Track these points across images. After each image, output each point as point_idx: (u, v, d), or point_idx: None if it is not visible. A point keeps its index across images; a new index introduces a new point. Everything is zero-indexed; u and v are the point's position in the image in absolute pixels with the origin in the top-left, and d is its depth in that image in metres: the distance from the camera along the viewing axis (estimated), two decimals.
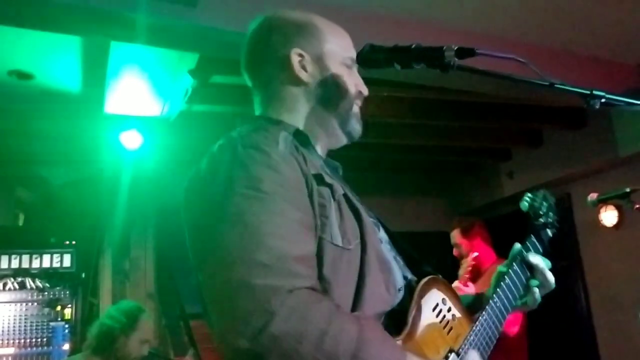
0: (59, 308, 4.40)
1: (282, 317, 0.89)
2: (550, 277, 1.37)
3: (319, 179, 1.10)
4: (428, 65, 1.17)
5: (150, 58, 3.40)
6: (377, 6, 3.14)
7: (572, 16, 3.40)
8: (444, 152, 5.81)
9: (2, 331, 4.25)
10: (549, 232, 1.52)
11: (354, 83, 1.29)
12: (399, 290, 1.15)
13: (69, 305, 4.45)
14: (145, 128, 4.19)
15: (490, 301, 1.28)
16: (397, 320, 1.08)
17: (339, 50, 1.28)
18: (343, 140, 1.31)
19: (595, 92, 1.16)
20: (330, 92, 1.25)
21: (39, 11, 2.60)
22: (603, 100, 1.16)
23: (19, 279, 4.35)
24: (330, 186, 1.11)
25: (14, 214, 4.78)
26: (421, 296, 1.12)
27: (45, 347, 4.31)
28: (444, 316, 1.15)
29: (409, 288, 1.17)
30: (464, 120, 4.77)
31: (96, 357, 2.95)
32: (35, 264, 4.45)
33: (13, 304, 4.33)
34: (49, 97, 3.80)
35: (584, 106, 1.17)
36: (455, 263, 3.38)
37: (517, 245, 1.40)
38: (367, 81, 1.32)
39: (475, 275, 3.27)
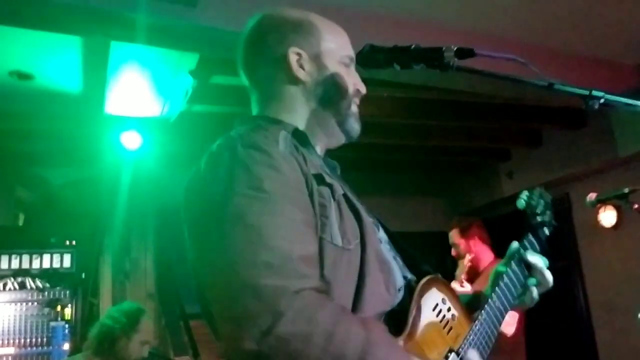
0: (59, 308, 4.41)
1: (289, 318, 0.88)
2: (549, 276, 1.36)
3: (319, 179, 1.09)
4: (428, 66, 1.17)
5: (150, 58, 3.40)
6: (377, 6, 3.14)
7: (571, 16, 3.41)
8: (444, 152, 5.82)
9: (2, 331, 4.25)
10: (546, 231, 1.52)
11: (352, 81, 1.28)
12: (399, 290, 1.15)
13: (69, 305, 4.45)
14: (146, 128, 4.19)
15: (489, 300, 1.27)
16: (397, 320, 1.08)
17: (336, 48, 1.27)
18: (342, 140, 1.30)
19: (594, 93, 1.16)
20: (328, 91, 1.24)
21: (39, 11, 2.60)
22: (602, 100, 1.16)
23: (19, 279, 4.36)
24: (330, 186, 1.10)
25: (14, 214, 4.78)
26: (421, 296, 1.12)
27: (45, 347, 4.31)
28: (444, 316, 1.15)
29: (409, 288, 1.17)
30: (464, 121, 4.78)
31: (97, 358, 2.96)
32: (36, 264, 4.45)
33: (13, 304, 4.33)
34: (49, 98, 3.80)
35: (583, 107, 1.17)
36: (455, 263, 3.38)
37: (515, 244, 1.40)
38: (367, 81, 1.31)
39: (473, 275, 3.27)
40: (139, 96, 3.88)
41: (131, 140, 4.17)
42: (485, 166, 6.16)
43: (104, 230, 4.77)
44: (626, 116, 4.26)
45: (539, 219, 1.50)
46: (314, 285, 0.95)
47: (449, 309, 1.17)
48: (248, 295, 0.90)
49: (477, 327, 1.21)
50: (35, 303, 4.38)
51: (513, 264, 1.35)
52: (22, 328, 4.30)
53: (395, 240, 1.27)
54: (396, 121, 4.71)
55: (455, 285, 3.14)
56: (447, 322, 1.15)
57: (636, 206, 2.64)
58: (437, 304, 1.15)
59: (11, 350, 4.24)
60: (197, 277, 1.08)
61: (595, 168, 4.86)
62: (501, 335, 1.29)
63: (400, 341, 1.04)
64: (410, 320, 1.08)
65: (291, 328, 0.88)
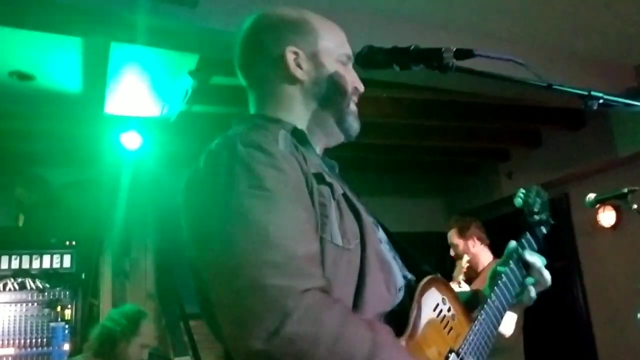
0: (59, 308, 4.40)
1: (297, 318, 0.87)
2: (547, 275, 1.35)
3: (319, 178, 1.09)
4: (427, 67, 1.17)
5: (150, 59, 3.40)
6: (377, 6, 3.15)
7: (570, 17, 3.42)
8: (443, 153, 5.83)
9: (2, 332, 4.25)
10: (544, 229, 1.51)
11: (350, 80, 1.27)
12: (399, 290, 1.14)
13: (69, 306, 4.45)
14: (145, 129, 4.20)
15: (488, 300, 1.27)
16: (397, 320, 1.07)
17: (333, 46, 1.26)
18: (341, 138, 1.29)
19: (593, 93, 1.16)
20: (326, 90, 1.24)
21: (40, 12, 2.61)
22: (601, 101, 1.16)
23: (19, 280, 4.36)
24: (330, 185, 1.10)
25: (14, 215, 4.77)
26: (422, 296, 1.12)
27: (45, 348, 4.31)
28: (444, 316, 1.15)
29: (409, 288, 1.17)
30: (463, 121, 4.79)
31: None
32: (36, 264, 4.45)
33: (13, 305, 4.33)
34: (50, 98, 3.80)
35: (583, 107, 1.18)
36: (454, 263, 3.38)
37: (513, 243, 1.40)
38: (366, 82, 1.32)
39: (472, 276, 3.27)
40: (138, 96, 3.88)
41: (131, 140, 4.18)
42: (485, 166, 6.17)
43: (104, 230, 4.77)
44: (625, 117, 4.27)
45: (536, 217, 1.50)
46: (319, 284, 0.94)
47: (449, 309, 1.16)
48: (254, 295, 0.89)
49: (477, 327, 1.21)
50: (35, 303, 4.38)
51: (511, 263, 1.35)
52: (22, 328, 4.30)
53: (395, 240, 1.27)
54: (396, 121, 4.72)
55: (453, 286, 3.13)
56: (447, 322, 1.15)
57: (635, 206, 2.64)
58: (437, 304, 1.14)
59: (11, 350, 4.23)
60: (198, 276, 1.07)
61: (595, 168, 4.86)
62: (500, 335, 1.29)
63: (402, 342, 1.03)
64: (412, 320, 1.07)
65: (298, 328, 0.87)
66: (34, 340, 4.31)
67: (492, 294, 1.29)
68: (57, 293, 4.44)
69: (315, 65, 1.24)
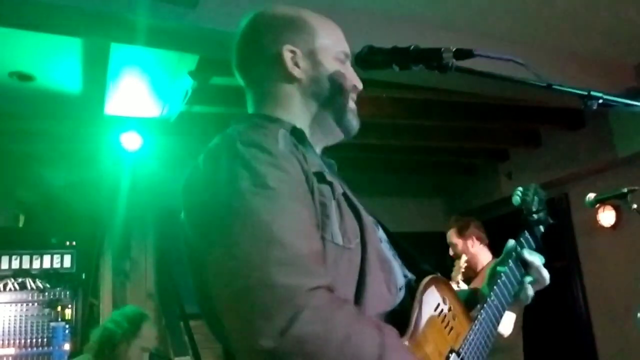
0: (59, 308, 4.41)
1: (307, 317, 0.86)
2: (545, 274, 1.35)
3: (320, 177, 1.08)
4: (426, 67, 1.17)
5: (150, 59, 3.41)
6: (376, 6, 3.15)
7: (570, 17, 3.42)
8: (443, 153, 5.83)
9: (3, 332, 4.25)
10: (542, 228, 1.51)
11: (348, 77, 1.26)
12: (400, 289, 1.14)
13: (70, 306, 4.45)
14: (145, 129, 4.20)
15: (488, 299, 1.27)
16: (398, 319, 1.07)
17: (331, 44, 1.26)
18: (340, 136, 1.29)
19: (592, 93, 1.17)
20: (324, 88, 1.23)
21: (40, 13, 2.61)
22: (601, 101, 1.17)
23: (20, 280, 4.36)
24: (330, 184, 1.09)
25: (15, 215, 4.78)
26: (423, 295, 1.11)
27: (46, 348, 4.32)
28: (445, 315, 1.14)
29: (409, 287, 1.17)
30: (463, 121, 4.79)
31: None
32: (36, 264, 4.45)
33: (13, 305, 4.33)
34: (50, 99, 3.80)
35: (582, 107, 1.18)
36: (454, 263, 3.38)
37: (512, 242, 1.40)
38: (366, 82, 1.32)
39: (470, 276, 3.27)
40: (138, 97, 3.88)
41: (131, 141, 4.18)
42: (485, 166, 6.17)
43: (104, 230, 4.78)
44: (625, 117, 4.28)
45: (534, 216, 1.50)
46: (326, 283, 0.94)
47: (449, 309, 1.16)
48: (262, 293, 0.87)
49: (477, 327, 1.20)
50: (36, 303, 4.39)
51: (510, 262, 1.35)
52: (23, 328, 4.31)
53: (394, 239, 1.26)
54: (395, 122, 4.72)
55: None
56: (448, 322, 1.15)
57: (635, 206, 2.65)
58: (438, 304, 1.14)
59: (11, 350, 4.24)
60: (198, 276, 1.06)
61: (594, 168, 4.86)
62: (499, 335, 1.28)
63: (405, 342, 1.03)
64: (413, 320, 1.07)
65: (309, 328, 0.86)
66: (34, 340, 4.31)
67: (491, 293, 1.29)
68: (57, 293, 4.45)
69: (312, 63, 1.23)
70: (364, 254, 1.07)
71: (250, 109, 1.28)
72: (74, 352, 4.24)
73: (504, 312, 1.30)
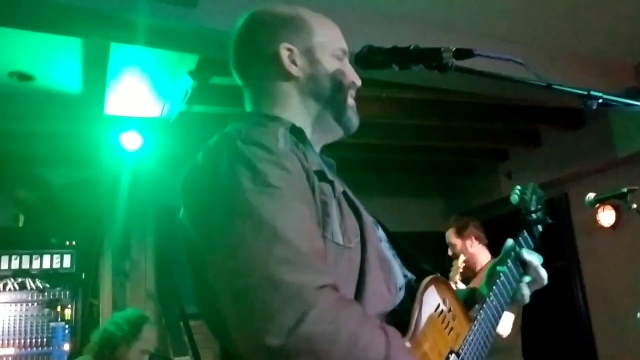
0: (59, 309, 4.40)
1: (315, 316, 0.86)
2: (544, 274, 1.35)
3: (321, 176, 1.08)
4: (426, 67, 1.17)
5: (150, 59, 3.41)
6: (377, 6, 3.15)
7: (570, 17, 3.42)
8: (443, 153, 5.83)
9: (3, 332, 4.25)
10: (540, 228, 1.51)
11: (347, 74, 1.25)
12: (400, 289, 1.14)
13: (69, 306, 4.45)
14: (145, 129, 4.20)
15: (487, 300, 1.27)
16: (398, 320, 1.06)
17: (328, 42, 1.25)
18: (340, 134, 1.28)
19: (592, 93, 1.17)
20: (323, 86, 1.22)
21: (40, 13, 2.61)
22: (601, 101, 1.17)
23: (20, 280, 4.35)
24: (332, 183, 1.09)
25: (15, 215, 4.78)
26: (423, 296, 1.11)
27: (46, 348, 4.31)
28: (445, 317, 1.14)
29: (409, 287, 1.16)
30: (463, 121, 4.79)
31: None
32: (36, 264, 4.44)
33: (13, 305, 4.32)
34: (50, 99, 3.81)
35: (582, 107, 1.18)
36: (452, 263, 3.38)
37: (510, 242, 1.40)
38: (366, 82, 1.31)
39: (469, 276, 3.27)
40: (139, 97, 3.88)
41: (131, 141, 4.18)
42: (485, 167, 6.17)
43: (104, 230, 4.77)
44: (625, 116, 4.28)
45: (533, 215, 1.50)
46: (332, 282, 0.93)
47: (450, 310, 1.16)
48: (270, 291, 0.87)
49: (477, 328, 1.20)
50: (36, 304, 4.38)
51: (509, 262, 1.35)
52: (23, 329, 4.30)
53: (394, 239, 1.26)
54: (395, 122, 4.72)
55: None
56: (448, 322, 1.15)
57: (635, 206, 2.65)
58: (438, 305, 1.14)
59: (11, 351, 4.23)
60: (199, 275, 1.05)
61: (594, 168, 4.86)
62: (497, 336, 1.28)
63: (407, 342, 1.02)
64: (414, 321, 1.06)
65: (317, 327, 0.85)
66: (34, 341, 4.31)
67: (490, 294, 1.29)
68: (57, 293, 4.44)
69: (310, 61, 1.22)
70: (364, 253, 1.07)
71: (248, 108, 1.27)
72: (73, 353, 4.23)
73: (503, 312, 1.30)
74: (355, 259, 1.06)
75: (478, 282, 3.09)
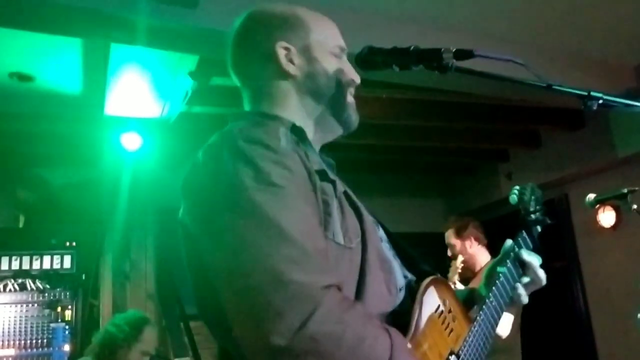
0: (59, 309, 4.40)
1: (321, 316, 0.85)
2: (542, 274, 1.35)
3: (322, 175, 1.07)
4: (426, 67, 1.17)
5: (150, 60, 3.40)
6: (377, 6, 3.15)
7: (570, 17, 3.42)
8: (442, 153, 5.83)
9: (3, 332, 4.25)
10: (539, 228, 1.51)
11: (345, 72, 1.24)
12: (400, 290, 1.14)
13: (70, 307, 4.45)
14: (145, 130, 4.20)
15: (487, 300, 1.27)
16: (398, 320, 1.06)
17: (325, 39, 1.24)
18: (339, 132, 1.27)
19: (592, 94, 1.17)
20: (320, 84, 1.21)
21: (40, 13, 2.61)
22: (600, 101, 1.17)
23: (20, 281, 4.35)
24: (333, 182, 1.08)
25: (15, 216, 4.78)
26: (423, 297, 1.11)
27: (46, 349, 4.31)
28: (445, 317, 1.14)
29: (409, 288, 1.16)
30: (463, 121, 4.79)
31: None
32: (36, 265, 4.44)
33: (13, 306, 4.33)
34: (50, 99, 3.81)
35: (582, 107, 1.18)
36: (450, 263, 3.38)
37: (509, 242, 1.40)
38: (366, 82, 1.31)
39: (468, 276, 3.26)
40: (138, 97, 3.88)
41: (131, 141, 4.18)
42: (484, 167, 6.17)
43: (104, 231, 4.78)
44: (625, 117, 4.27)
45: (532, 216, 1.49)
46: (337, 281, 0.93)
47: (449, 311, 1.16)
48: (275, 290, 0.86)
49: (476, 328, 1.20)
50: (36, 304, 4.38)
51: (509, 263, 1.35)
52: (23, 329, 4.30)
53: (394, 239, 1.26)
54: (395, 122, 4.72)
55: None
56: (448, 323, 1.15)
57: (635, 206, 2.65)
58: (438, 306, 1.14)
59: (11, 351, 4.23)
60: (200, 275, 1.05)
61: (594, 169, 4.86)
62: (496, 336, 1.28)
63: (408, 344, 1.02)
64: (414, 321, 1.06)
65: (322, 327, 0.85)
66: (34, 341, 4.31)
67: (490, 294, 1.29)
68: (57, 294, 4.44)
69: (307, 59, 1.22)
70: (364, 253, 1.07)
71: (247, 108, 1.27)
72: (73, 354, 4.24)
73: (502, 313, 1.30)
74: (355, 258, 1.05)
75: (477, 283, 3.09)
